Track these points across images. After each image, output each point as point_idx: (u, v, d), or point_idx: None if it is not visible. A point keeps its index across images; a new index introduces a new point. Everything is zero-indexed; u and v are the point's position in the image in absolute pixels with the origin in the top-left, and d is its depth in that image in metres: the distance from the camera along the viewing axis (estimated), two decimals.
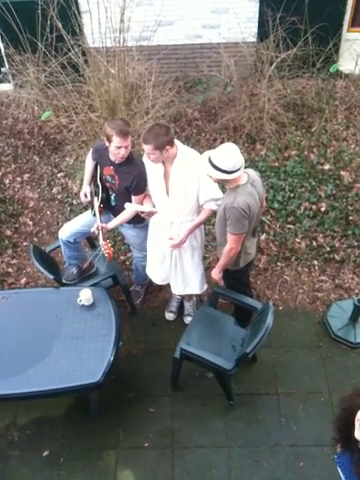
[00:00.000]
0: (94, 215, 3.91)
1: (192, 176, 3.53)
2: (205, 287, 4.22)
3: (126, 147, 3.60)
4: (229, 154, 3.27)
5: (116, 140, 3.53)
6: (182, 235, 3.69)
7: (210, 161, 3.28)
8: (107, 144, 3.63)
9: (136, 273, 4.58)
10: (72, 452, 3.71)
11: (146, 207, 3.75)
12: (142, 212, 3.76)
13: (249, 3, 6.25)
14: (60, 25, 5.44)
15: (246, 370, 4.03)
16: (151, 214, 3.78)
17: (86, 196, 4.06)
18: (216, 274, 3.76)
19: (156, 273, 4.18)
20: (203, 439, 3.75)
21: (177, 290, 4.18)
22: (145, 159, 3.72)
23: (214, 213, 3.72)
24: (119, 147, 3.57)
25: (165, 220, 3.79)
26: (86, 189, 4.07)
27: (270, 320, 3.47)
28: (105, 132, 3.61)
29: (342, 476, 2.46)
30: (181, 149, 3.56)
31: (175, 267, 4.01)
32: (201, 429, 3.80)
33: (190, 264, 3.99)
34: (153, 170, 3.65)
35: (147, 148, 3.43)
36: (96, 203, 3.93)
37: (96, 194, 3.96)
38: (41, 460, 3.67)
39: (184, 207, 3.68)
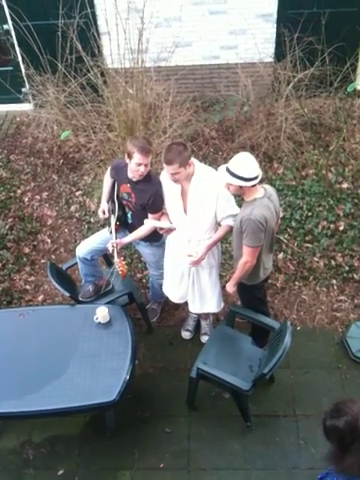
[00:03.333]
0: (111, 232, 3.93)
1: (210, 193, 3.54)
2: (222, 305, 4.19)
3: (146, 165, 3.62)
4: (245, 161, 3.32)
5: (137, 157, 3.56)
6: (201, 252, 3.68)
7: (228, 170, 3.31)
8: (127, 161, 3.66)
9: (152, 290, 4.57)
10: (87, 471, 3.67)
11: (165, 223, 3.75)
12: (161, 229, 3.77)
13: (266, 24, 6.32)
14: (80, 46, 5.55)
15: (264, 391, 3.97)
16: (169, 231, 3.78)
17: (104, 213, 4.09)
18: (231, 287, 3.75)
19: (174, 292, 4.17)
20: (220, 461, 3.69)
21: (194, 308, 4.16)
22: (162, 177, 3.74)
23: (231, 229, 3.72)
24: (139, 164, 3.59)
25: (183, 238, 3.79)
26: (104, 206, 4.10)
27: (288, 340, 3.42)
28: (127, 149, 3.64)
29: None
30: (198, 167, 3.57)
31: (192, 285, 3.99)
32: (218, 450, 3.74)
33: (208, 282, 3.98)
34: (171, 189, 3.66)
35: (172, 169, 3.42)
36: (113, 220, 3.95)
37: (113, 212, 3.98)
38: (56, 479, 3.64)
39: (202, 225, 3.68)
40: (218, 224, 3.74)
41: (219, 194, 3.53)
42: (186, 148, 3.46)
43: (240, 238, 3.47)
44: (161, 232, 3.79)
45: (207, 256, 3.76)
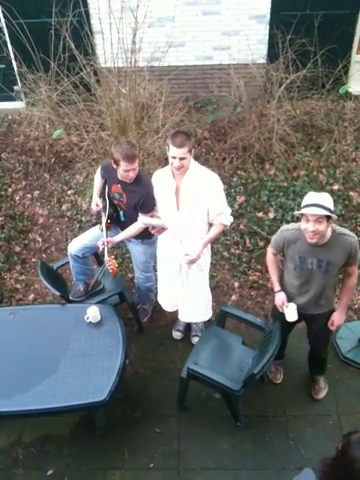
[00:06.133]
0: (102, 230, 3.92)
1: (203, 190, 3.54)
2: (210, 314, 4.25)
3: (134, 169, 3.64)
4: (320, 194, 3.18)
5: (124, 164, 3.58)
6: (197, 250, 3.65)
7: (329, 209, 3.09)
8: (115, 166, 3.67)
9: (139, 293, 4.57)
10: (77, 471, 3.66)
11: (157, 221, 3.74)
12: (153, 228, 3.76)
13: (259, 25, 6.35)
14: (73, 45, 5.53)
15: (254, 391, 3.96)
16: (162, 230, 3.77)
17: (98, 205, 4.07)
18: (343, 317, 3.65)
19: (167, 299, 4.22)
20: (210, 461, 3.69)
21: (183, 317, 4.23)
22: (155, 177, 3.74)
23: (224, 228, 3.74)
24: (127, 171, 3.62)
25: (174, 238, 3.79)
26: (97, 200, 4.08)
27: (278, 341, 3.44)
28: (112, 156, 3.65)
29: None
30: (192, 164, 3.58)
31: (182, 290, 4.01)
32: (208, 451, 3.74)
33: (197, 287, 4.00)
34: (165, 186, 3.65)
35: (182, 152, 3.37)
36: (104, 219, 3.94)
37: (104, 209, 3.98)
38: (45, 479, 3.62)
39: (194, 222, 3.68)
40: (211, 223, 3.74)
41: (212, 192, 3.55)
42: (190, 136, 3.54)
43: (334, 274, 3.42)
44: (153, 231, 3.78)
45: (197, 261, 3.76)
